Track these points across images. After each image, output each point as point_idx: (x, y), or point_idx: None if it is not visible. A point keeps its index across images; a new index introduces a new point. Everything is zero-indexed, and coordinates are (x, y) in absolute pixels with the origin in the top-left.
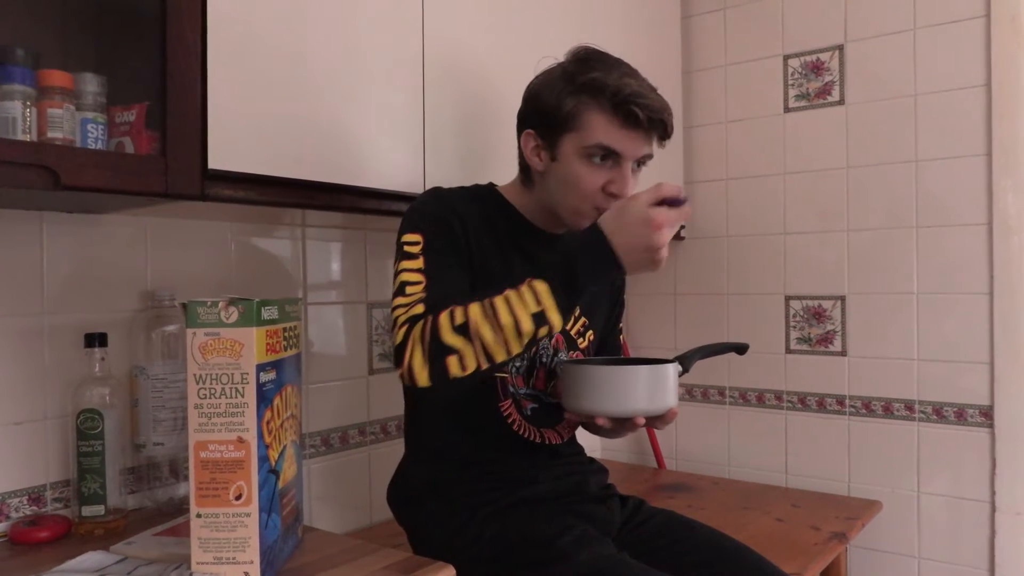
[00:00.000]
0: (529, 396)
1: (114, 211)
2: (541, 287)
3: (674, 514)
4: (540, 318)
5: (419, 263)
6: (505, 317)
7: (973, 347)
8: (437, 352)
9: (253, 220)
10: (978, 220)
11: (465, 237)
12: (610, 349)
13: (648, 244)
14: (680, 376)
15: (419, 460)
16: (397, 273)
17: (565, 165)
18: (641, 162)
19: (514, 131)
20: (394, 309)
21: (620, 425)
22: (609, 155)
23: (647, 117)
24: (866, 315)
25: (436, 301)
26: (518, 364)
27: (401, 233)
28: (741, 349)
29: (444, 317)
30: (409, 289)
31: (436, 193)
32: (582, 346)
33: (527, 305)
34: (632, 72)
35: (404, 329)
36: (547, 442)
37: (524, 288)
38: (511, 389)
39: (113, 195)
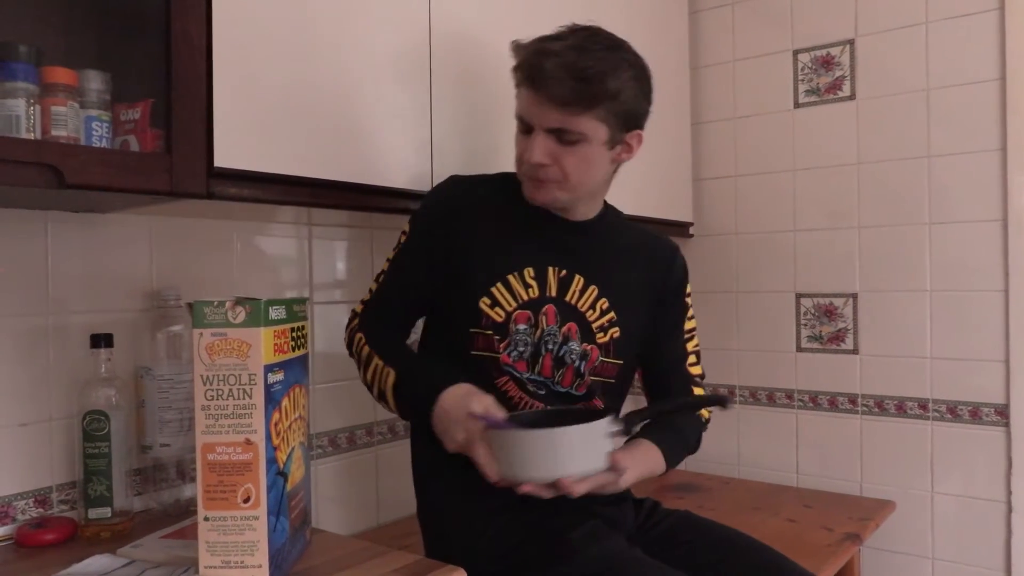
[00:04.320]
0: (535, 382)
1: (119, 210)
2: (390, 384)
3: (689, 514)
4: (382, 396)
5: (388, 263)
6: (371, 372)
7: (988, 345)
8: (350, 350)
9: (259, 219)
10: (992, 216)
11: (450, 226)
12: (667, 358)
13: (450, 436)
14: (620, 433)
15: (423, 440)
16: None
17: None
18: (563, 136)
19: None
20: (369, 291)
21: (553, 489)
22: (527, 125)
23: (538, 77)
24: (878, 312)
25: (369, 318)
26: (520, 349)
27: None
28: (719, 402)
29: (361, 338)
30: (380, 285)
31: (448, 184)
32: (601, 341)
33: (387, 379)
34: (564, 38)
35: (350, 319)
36: None
37: (389, 367)
38: (512, 372)
39: (118, 194)
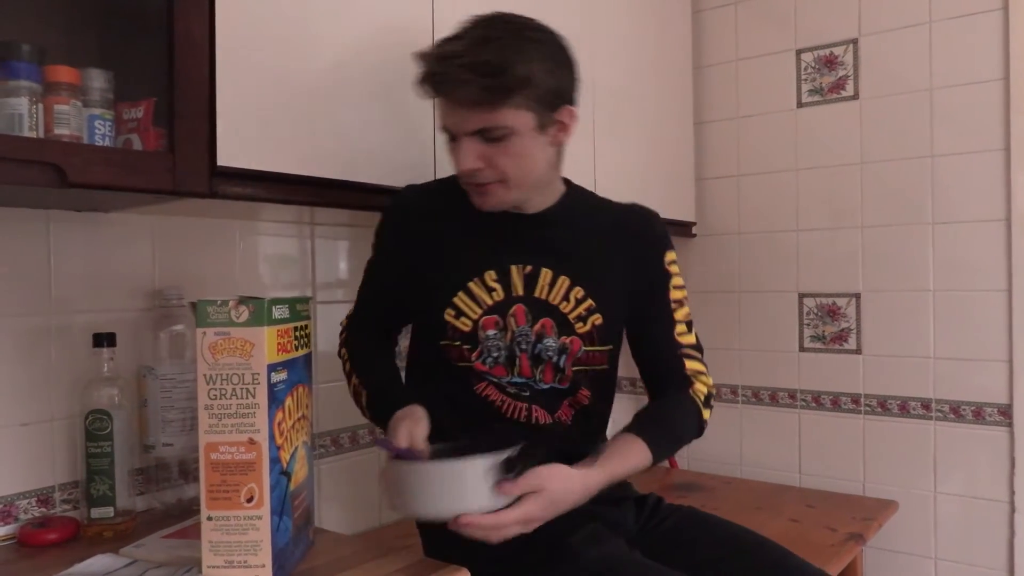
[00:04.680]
0: (516, 384)
1: (121, 209)
2: (364, 403)
3: (693, 511)
4: (363, 413)
5: (364, 278)
6: (352, 389)
7: (991, 345)
8: (340, 358)
9: (261, 218)
10: (996, 216)
11: (407, 239)
12: (654, 330)
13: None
14: (501, 473)
15: None
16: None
17: None
18: (488, 135)
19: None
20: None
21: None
22: (452, 134)
23: (445, 84)
24: (881, 312)
25: (353, 331)
26: (494, 355)
27: None
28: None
29: (345, 353)
30: (358, 296)
31: (401, 195)
32: (582, 331)
33: (362, 398)
34: (463, 36)
35: (341, 331)
36: (537, 420)
37: (363, 387)
38: (490, 378)
39: (120, 193)
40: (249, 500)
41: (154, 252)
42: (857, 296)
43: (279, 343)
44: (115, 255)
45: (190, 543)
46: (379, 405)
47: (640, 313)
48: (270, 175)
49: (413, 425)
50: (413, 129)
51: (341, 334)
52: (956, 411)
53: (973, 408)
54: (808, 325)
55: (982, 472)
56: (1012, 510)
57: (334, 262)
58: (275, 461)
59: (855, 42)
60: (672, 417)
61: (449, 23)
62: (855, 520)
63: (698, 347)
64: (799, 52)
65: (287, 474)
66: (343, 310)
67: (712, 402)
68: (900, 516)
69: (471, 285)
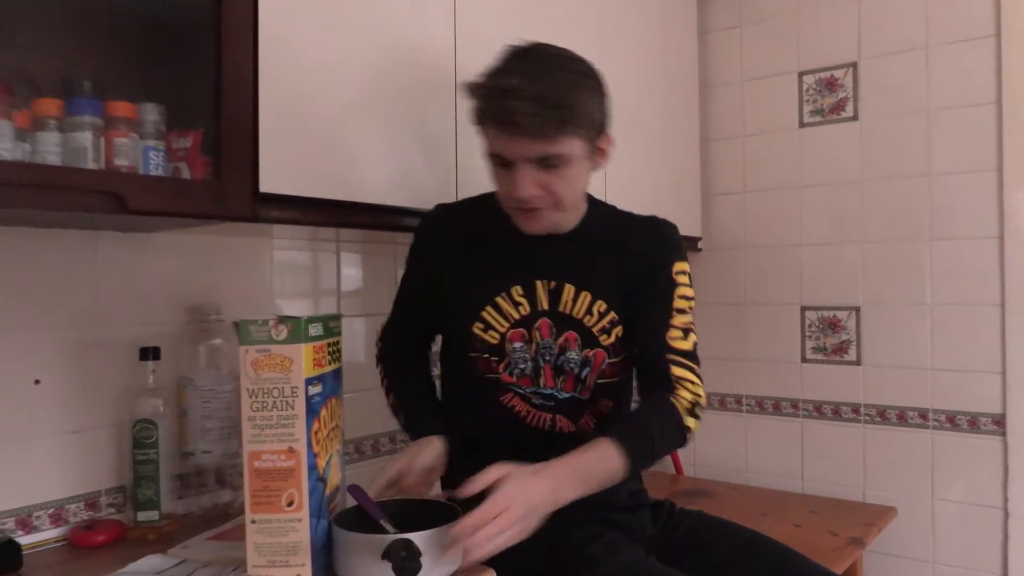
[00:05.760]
0: (540, 395)
1: (164, 230)
2: (401, 423)
3: (704, 515)
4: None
5: (398, 291)
6: (390, 405)
7: (985, 357)
8: (378, 371)
9: (292, 236)
10: (990, 233)
11: (437, 255)
12: (646, 328)
13: None
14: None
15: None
16: None
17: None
18: (546, 163)
19: None
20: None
21: None
22: (505, 160)
23: (509, 119)
24: (880, 325)
25: (388, 344)
26: (521, 367)
27: None
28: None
29: (382, 369)
30: (393, 309)
31: (431, 213)
32: (606, 343)
33: (400, 418)
34: (515, 70)
35: (377, 338)
36: (561, 430)
37: (400, 408)
38: (516, 389)
39: (171, 217)
40: (289, 504)
41: (193, 269)
42: (857, 309)
43: (315, 358)
44: (157, 272)
45: (232, 544)
46: (412, 429)
47: (639, 314)
48: (307, 200)
49: (412, 458)
50: (438, 154)
51: (377, 343)
52: (952, 420)
53: (968, 417)
54: (810, 337)
55: (977, 479)
56: (1006, 516)
57: (358, 277)
58: (312, 468)
59: (855, 65)
60: (645, 417)
61: (468, 55)
62: (856, 525)
63: (692, 355)
64: (801, 74)
65: (323, 480)
66: (365, 323)
67: (699, 412)
68: (899, 521)
69: (499, 300)
